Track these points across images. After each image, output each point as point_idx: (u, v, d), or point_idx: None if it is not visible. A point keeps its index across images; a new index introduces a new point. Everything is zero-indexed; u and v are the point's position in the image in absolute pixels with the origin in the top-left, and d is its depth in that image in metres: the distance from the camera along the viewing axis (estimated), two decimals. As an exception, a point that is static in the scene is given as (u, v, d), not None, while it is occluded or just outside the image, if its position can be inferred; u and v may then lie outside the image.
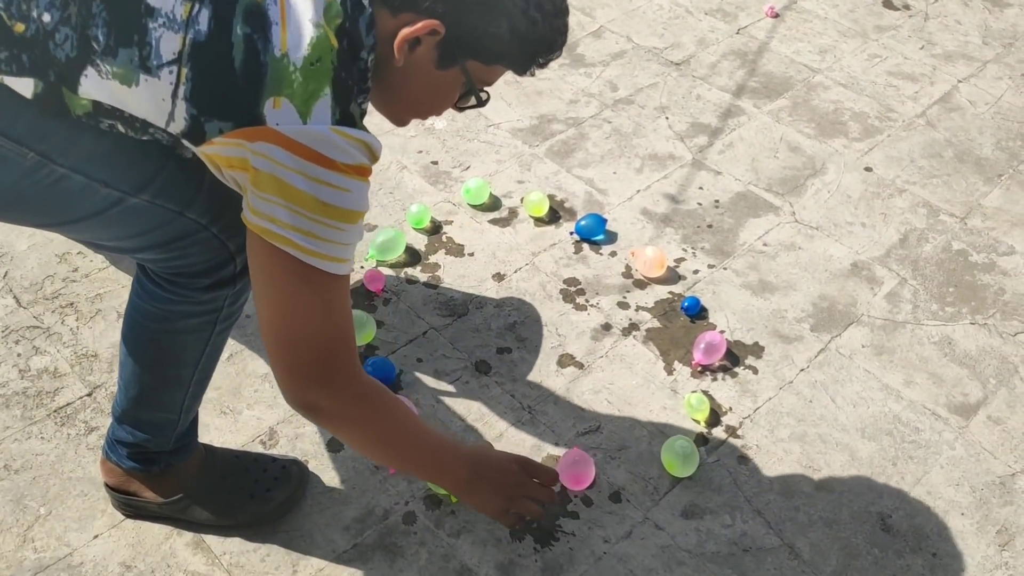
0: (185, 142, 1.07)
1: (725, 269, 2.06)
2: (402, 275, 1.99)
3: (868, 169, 2.35)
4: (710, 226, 2.16)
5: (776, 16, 2.90)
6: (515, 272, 2.02)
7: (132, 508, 1.52)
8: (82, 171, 1.11)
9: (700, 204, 2.22)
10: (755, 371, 1.85)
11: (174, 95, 1.03)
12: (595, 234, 2.09)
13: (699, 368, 1.84)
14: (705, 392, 1.80)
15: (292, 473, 1.56)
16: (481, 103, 1.20)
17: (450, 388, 1.78)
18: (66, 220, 1.19)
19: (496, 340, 1.87)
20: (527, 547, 1.54)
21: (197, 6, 1.02)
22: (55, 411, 1.69)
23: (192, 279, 1.28)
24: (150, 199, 1.17)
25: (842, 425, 1.76)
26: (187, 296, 1.29)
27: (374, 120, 1.13)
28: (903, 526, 1.62)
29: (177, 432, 1.45)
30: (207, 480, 1.52)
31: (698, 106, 2.52)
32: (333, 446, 1.66)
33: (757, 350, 1.89)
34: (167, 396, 1.41)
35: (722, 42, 2.77)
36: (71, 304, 1.88)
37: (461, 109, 1.23)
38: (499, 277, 2.01)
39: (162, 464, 1.48)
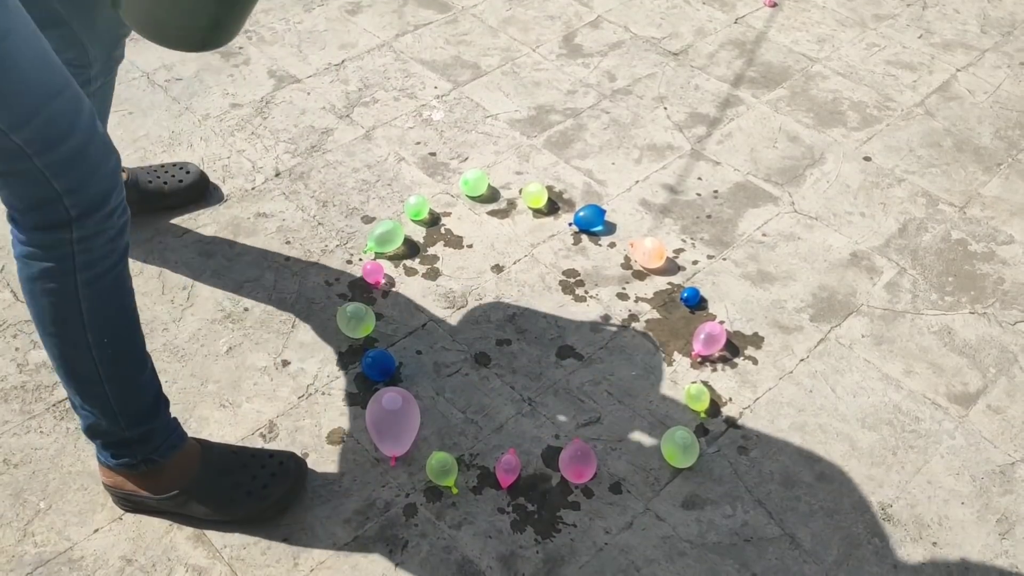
0: None
1: (724, 260, 2.06)
2: (401, 267, 1.99)
3: (867, 159, 2.35)
4: (709, 216, 2.16)
5: (774, 5, 2.89)
6: (514, 264, 2.02)
7: (131, 503, 1.52)
8: None
9: (699, 195, 2.22)
10: (755, 361, 1.85)
11: None
12: (594, 225, 2.09)
13: (699, 359, 1.84)
14: (705, 383, 1.80)
15: (289, 469, 1.55)
16: None
17: (450, 380, 1.78)
18: None
19: (496, 332, 1.87)
20: (528, 538, 1.54)
21: None
22: (53, 405, 1.69)
23: (23, 215, 1.23)
24: None
25: (842, 415, 1.76)
26: (26, 238, 1.25)
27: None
28: (904, 516, 1.62)
29: (119, 409, 1.40)
30: (204, 476, 1.51)
31: (696, 96, 2.51)
32: (333, 439, 1.66)
33: (757, 340, 1.89)
34: (76, 362, 1.36)
35: (720, 32, 2.76)
36: (69, 298, 1.87)
37: None
38: (498, 269, 2.00)
39: (141, 456, 1.46)
